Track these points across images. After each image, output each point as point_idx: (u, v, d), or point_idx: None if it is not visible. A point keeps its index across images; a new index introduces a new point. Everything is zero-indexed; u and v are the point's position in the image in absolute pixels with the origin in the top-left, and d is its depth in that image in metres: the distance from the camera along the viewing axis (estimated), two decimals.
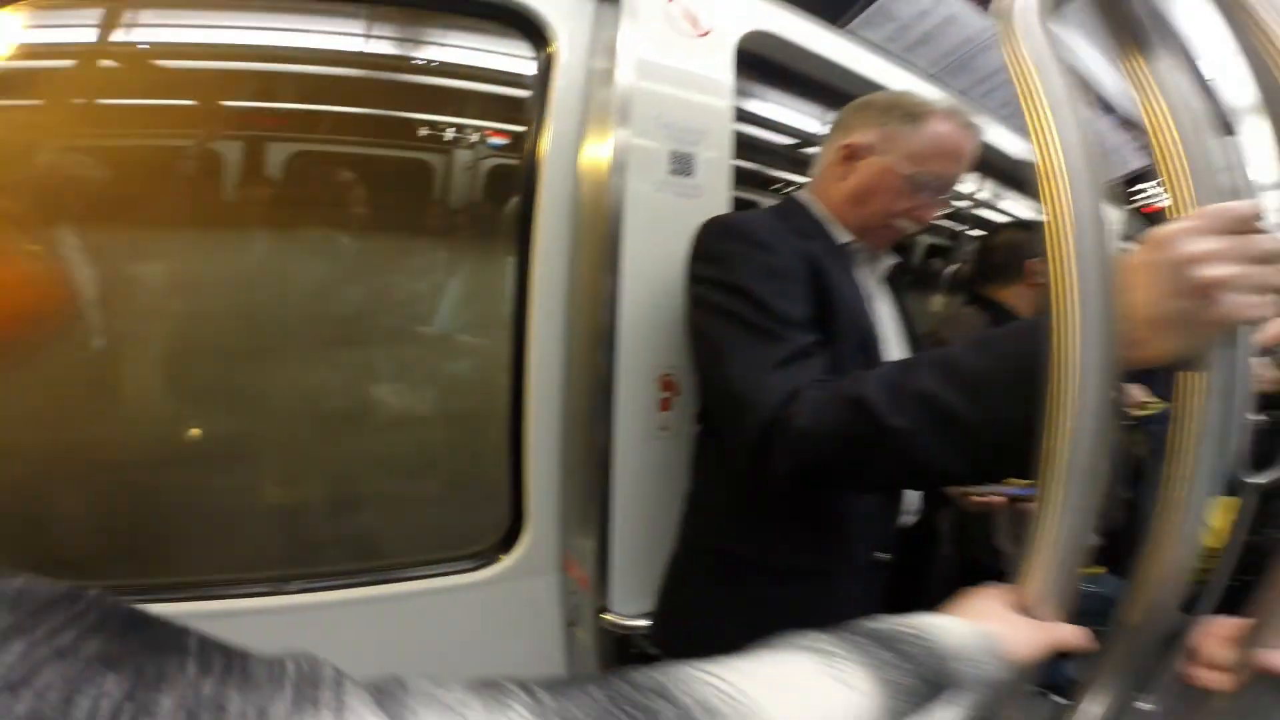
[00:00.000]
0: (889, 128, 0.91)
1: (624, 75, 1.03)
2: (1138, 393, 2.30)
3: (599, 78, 1.07)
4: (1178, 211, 0.49)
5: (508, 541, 1.10)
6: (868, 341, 0.88)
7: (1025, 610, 0.50)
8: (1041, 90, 0.49)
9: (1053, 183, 0.46)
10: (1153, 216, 3.24)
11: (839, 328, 0.84)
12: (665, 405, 1.06)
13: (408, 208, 1.13)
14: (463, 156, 1.15)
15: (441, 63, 1.11)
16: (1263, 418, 1.85)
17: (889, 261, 1.02)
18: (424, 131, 1.11)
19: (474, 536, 1.12)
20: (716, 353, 0.81)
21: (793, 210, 0.98)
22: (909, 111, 0.91)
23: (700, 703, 0.33)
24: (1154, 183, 3.03)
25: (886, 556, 0.93)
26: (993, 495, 0.99)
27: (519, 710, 0.29)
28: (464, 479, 1.17)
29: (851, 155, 0.94)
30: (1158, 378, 2.24)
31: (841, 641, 0.41)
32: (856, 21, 1.60)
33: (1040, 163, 0.47)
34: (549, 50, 1.08)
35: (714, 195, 1.11)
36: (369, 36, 1.06)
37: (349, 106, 1.07)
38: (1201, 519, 0.49)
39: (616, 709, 0.31)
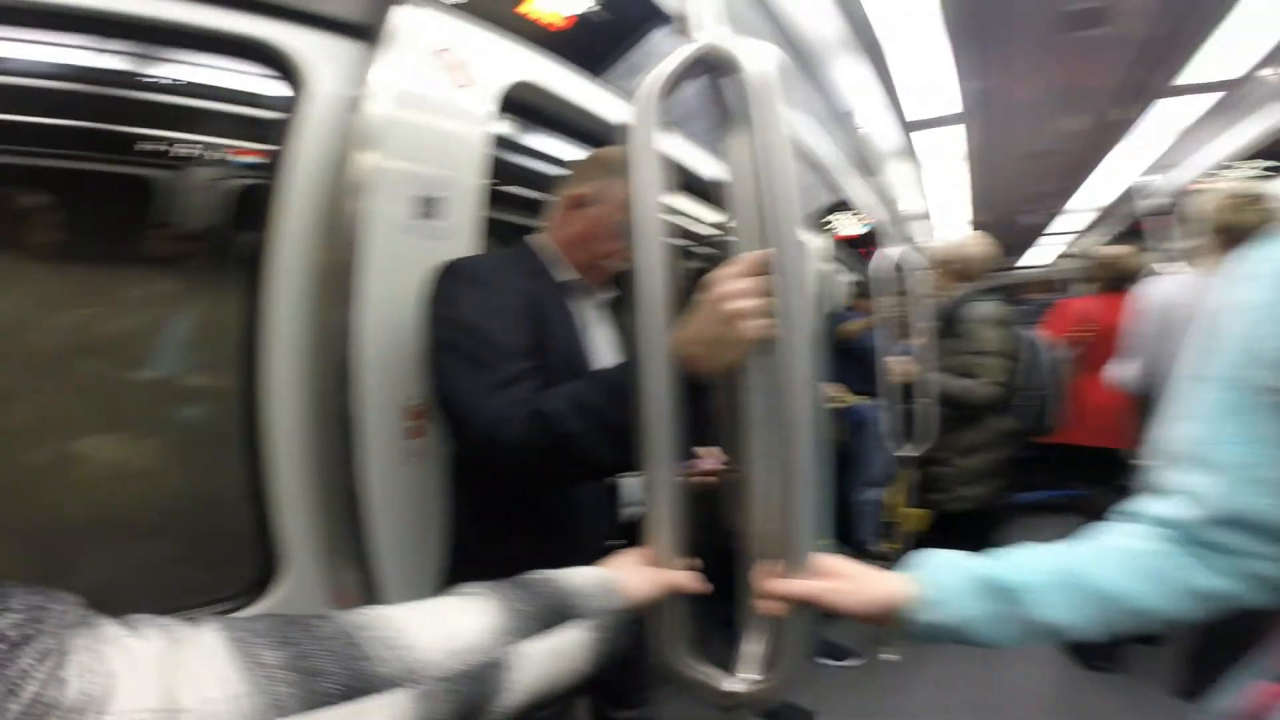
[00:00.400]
0: (602, 181, 1.07)
1: (379, 116, 1.07)
2: (832, 390, 2.77)
3: (351, 115, 1.09)
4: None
5: (264, 582, 1.08)
6: (579, 366, 1.02)
7: (652, 562, 0.64)
8: (639, 166, 0.64)
9: (635, 241, 0.61)
10: (842, 242, 3.94)
11: (554, 355, 0.97)
12: (415, 434, 1.11)
13: (126, 232, 1.06)
14: (193, 177, 1.09)
15: (174, 79, 1.05)
16: (913, 404, 2.29)
17: (607, 295, 1.17)
18: (146, 147, 1.04)
19: (224, 581, 1.08)
20: (442, 381, 0.91)
21: (524, 252, 1.10)
22: (616, 166, 1.07)
23: (350, 621, 0.45)
24: (844, 214, 3.69)
25: (620, 543, 1.07)
26: (698, 474, 1.14)
27: (212, 623, 0.41)
28: (208, 525, 1.11)
29: (575, 204, 1.08)
30: (854, 375, 2.71)
31: (483, 586, 0.55)
32: (613, 73, 1.80)
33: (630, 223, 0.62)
34: (298, 85, 1.09)
35: (461, 236, 1.18)
36: (91, 49, 0.98)
37: (58, 119, 0.97)
38: (767, 489, 0.63)
39: (288, 626, 0.42)
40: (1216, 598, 0.57)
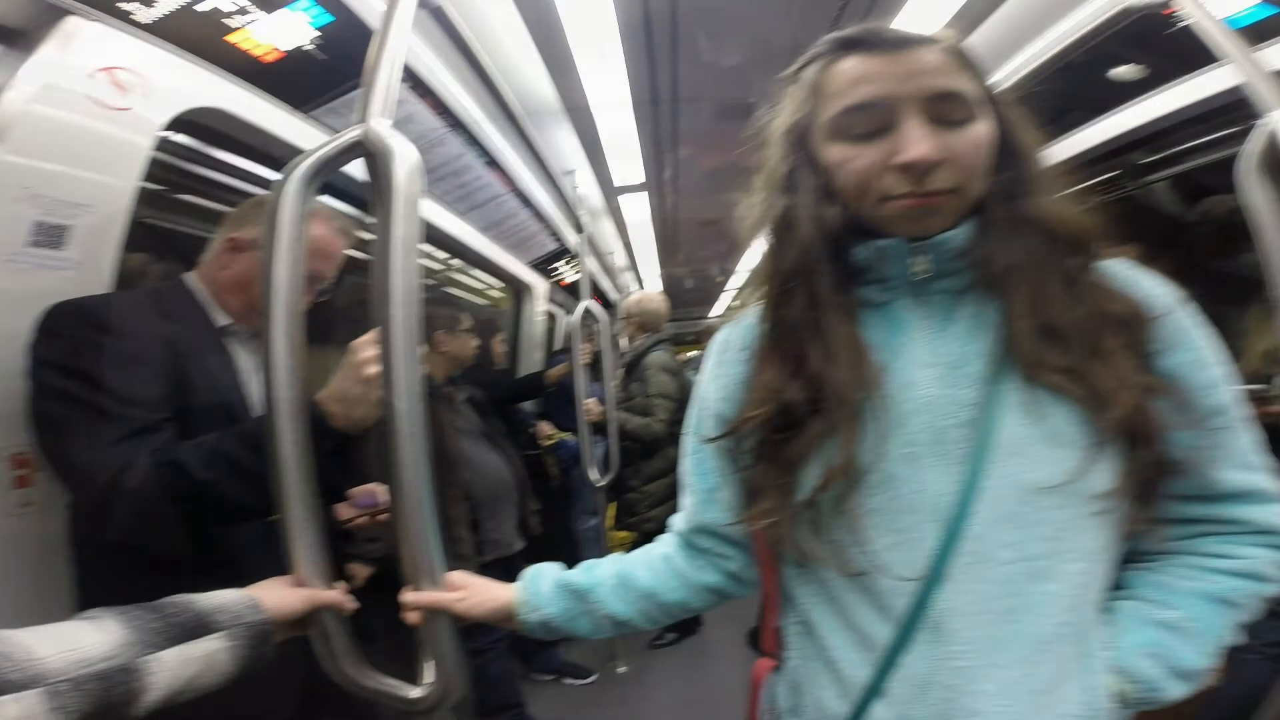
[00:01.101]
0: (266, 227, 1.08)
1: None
2: (545, 427, 3.06)
3: None
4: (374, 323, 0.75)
5: None
6: (236, 413, 0.98)
7: (298, 582, 0.71)
8: (279, 242, 0.72)
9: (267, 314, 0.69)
10: (566, 288, 4.39)
11: (201, 402, 0.94)
12: (23, 482, 0.97)
13: None
14: None
15: None
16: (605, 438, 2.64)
17: None
18: None
19: None
20: (57, 433, 0.85)
21: (173, 293, 1.04)
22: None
23: None
24: (563, 262, 4.11)
25: None
26: (360, 515, 1.18)
27: None
28: None
29: (235, 248, 1.05)
30: (564, 414, 3.02)
31: (108, 610, 0.59)
32: (322, 110, 1.77)
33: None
34: None
35: (89, 270, 1.06)
36: None
37: None
38: (426, 518, 0.70)
39: None
40: (713, 589, 0.74)
